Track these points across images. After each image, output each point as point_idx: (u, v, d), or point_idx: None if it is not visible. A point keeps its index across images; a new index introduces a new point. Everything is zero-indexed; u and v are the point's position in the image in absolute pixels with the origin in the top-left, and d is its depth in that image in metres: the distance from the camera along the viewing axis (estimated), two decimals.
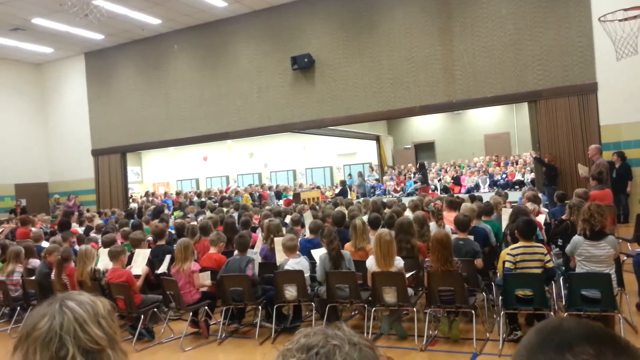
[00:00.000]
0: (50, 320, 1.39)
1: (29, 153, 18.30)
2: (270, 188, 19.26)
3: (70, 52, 17.67)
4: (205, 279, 6.13)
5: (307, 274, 5.83)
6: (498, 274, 5.53)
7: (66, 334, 1.38)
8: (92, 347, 1.41)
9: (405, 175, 20.30)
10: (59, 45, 16.78)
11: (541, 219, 6.92)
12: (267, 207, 11.77)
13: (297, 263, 5.88)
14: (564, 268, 5.60)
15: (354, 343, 1.07)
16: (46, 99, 18.90)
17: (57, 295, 1.52)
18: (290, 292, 5.75)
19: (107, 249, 6.48)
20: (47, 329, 1.38)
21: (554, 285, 5.50)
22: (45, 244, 8.17)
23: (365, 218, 7.12)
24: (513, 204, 8.68)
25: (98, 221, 10.85)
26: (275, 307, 5.82)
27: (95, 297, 1.53)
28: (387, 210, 8.77)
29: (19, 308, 7.09)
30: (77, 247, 7.97)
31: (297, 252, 6.06)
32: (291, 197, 16.42)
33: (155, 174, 28.37)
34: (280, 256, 6.25)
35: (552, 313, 4.88)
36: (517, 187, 16.61)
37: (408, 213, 8.05)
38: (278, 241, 6.37)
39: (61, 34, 15.54)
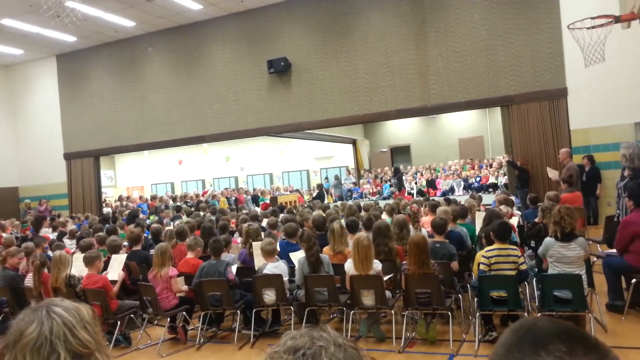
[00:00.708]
0: (39, 325, 1.40)
1: None
2: (246, 192, 19.18)
3: (41, 53, 17.32)
4: (180, 284, 6.09)
5: (285, 278, 5.85)
6: (473, 276, 5.64)
7: (56, 338, 1.39)
8: (82, 351, 1.43)
9: (381, 178, 20.46)
10: (30, 46, 16.43)
11: (514, 221, 7.09)
12: (244, 211, 11.73)
13: (275, 267, 5.89)
14: (536, 270, 5.75)
15: (339, 344, 1.11)
16: (15, 101, 18.45)
17: (40, 302, 1.52)
18: (269, 296, 5.75)
19: (83, 255, 6.37)
20: (37, 335, 1.39)
21: (527, 287, 5.64)
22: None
23: (343, 222, 7.17)
24: (487, 207, 8.85)
25: (71, 226, 10.65)
26: (254, 311, 5.82)
27: (77, 303, 1.54)
28: (363, 214, 8.85)
29: None
30: (50, 252, 7.83)
31: (276, 257, 6.07)
32: (268, 201, 16.38)
33: (129, 178, 27.96)
34: (258, 260, 6.25)
35: (525, 314, 5.00)
36: (490, 190, 16.92)
37: (385, 216, 8.13)
38: (257, 245, 6.36)
39: (32, 35, 15.22)
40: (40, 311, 1.44)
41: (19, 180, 18.50)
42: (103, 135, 16.86)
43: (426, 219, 7.47)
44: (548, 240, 5.14)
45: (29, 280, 6.70)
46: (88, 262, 6.08)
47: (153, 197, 18.82)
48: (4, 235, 9.70)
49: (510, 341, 0.94)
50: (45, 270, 6.49)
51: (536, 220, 6.64)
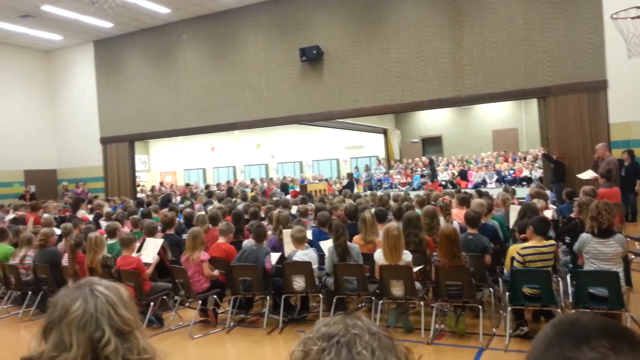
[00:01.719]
0: (84, 303, 1.44)
1: (37, 139, 18.42)
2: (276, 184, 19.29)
3: (79, 39, 17.71)
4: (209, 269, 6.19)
5: (315, 266, 5.89)
6: (505, 270, 5.57)
7: (101, 315, 1.44)
8: (124, 329, 1.47)
9: (412, 169, 20.30)
10: (68, 32, 16.82)
11: (547, 214, 6.93)
12: (274, 198, 11.82)
13: (305, 254, 5.93)
14: (571, 265, 5.63)
15: (373, 332, 1.11)
16: (55, 86, 18.98)
17: (78, 281, 1.57)
18: (299, 283, 5.81)
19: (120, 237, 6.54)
20: (83, 311, 1.43)
21: (561, 282, 5.53)
22: (57, 231, 8.25)
23: (372, 211, 7.16)
24: (521, 200, 8.69)
25: (107, 209, 10.93)
26: (283, 297, 5.89)
27: (114, 283, 1.59)
28: (393, 204, 8.81)
29: (30, 292, 7.19)
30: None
31: (306, 244, 6.10)
32: (298, 189, 16.45)
33: (163, 163, 28.46)
34: (288, 247, 6.30)
35: (559, 310, 4.91)
36: (524, 183, 16.59)
37: (415, 208, 8.07)
38: (287, 233, 6.42)
39: (70, 21, 15.57)
40: (84, 289, 1.49)
41: (57, 163, 19.07)
42: (138, 120, 17.19)
43: (455, 212, 7.39)
44: (584, 235, 5.02)
45: (64, 260, 6.92)
46: (124, 244, 6.24)
47: (186, 185, 19.14)
48: (44, 215, 10.03)
49: (550, 336, 0.93)
50: (80, 251, 6.70)
51: (572, 215, 6.49)
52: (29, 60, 18.43)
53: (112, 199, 14.61)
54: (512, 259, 5.09)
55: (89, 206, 12.02)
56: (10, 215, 11.75)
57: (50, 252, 7.13)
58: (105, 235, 7.07)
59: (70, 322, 1.42)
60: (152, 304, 6.03)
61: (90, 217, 10.51)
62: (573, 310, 4.78)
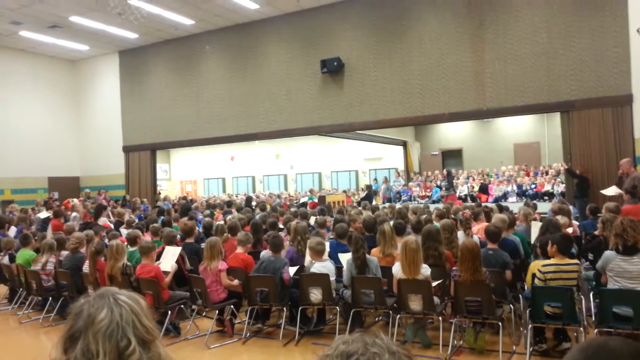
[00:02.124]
0: (109, 312, 1.45)
1: (62, 147, 18.77)
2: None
3: (105, 50, 18.08)
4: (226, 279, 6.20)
5: (332, 278, 5.86)
6: (526, 287, 5.46)
7: (126, 324, 1.45)
8: (147, 338, 1.48)
9: (431, 181, 20.15)
10: (94, 43, 17.17)
11: (569, 230, 6.79)
12: (292, 209, 11.82)
13: (322, 266, 5.91)
14: (594, 283, 5.50)
15: (393, 352, 1.09)
16: (80, 95, 19.36)
17: (102, 289, 1.57)
18: (315, 295, 5.78)
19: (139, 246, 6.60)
20: (109, 321, 1.44)
21: (583, 300, 5.41)
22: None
23: (391, 223, 7.11)
24: (542, 216, 8.55)
25: (128, 217, 11.06)
26: (299, 309, 5.86)
27: (133, 293, 1.60)
28: (411, 217, 8.74)
29: (50, 298, 7.28)
30: (106, 241, 8.15)
31: (324, 257, 6.07)
32: (316, 200, 16.43)
33: (183, 172, 28.77)
34: (308, 260, 6.29)
35: (581, 329, 4.80)
36: (546, 198, 16.33)
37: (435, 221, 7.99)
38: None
39: (97, 32, 15.90)
40: (107, 298, 1.50)
41: (80, 170, 19.40)
42: (160, 129, 17.42)
43: (476, 228, 7.29)
44: (608, 253, 4.91)
45: (85, 267, 7.00)
46: (144, 252, 6.29)
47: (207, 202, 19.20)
48: (67, 223, 10.16)
49: None
50: (102, 259, 6.77)
51: (596, 233, 6.36)
52: (55, 70, 18.86)
53: (133, 200, 14.88)
54: (533, 275, 5.00)
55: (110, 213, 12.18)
56: (44, 214, 11.91)
57: (79, 257, 7.22)
58: (126, 243, 7.15)
59: (96, 332, 1.43)
60: (169, 312, 6.06)
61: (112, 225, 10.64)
62: (596, 330, 4.67)
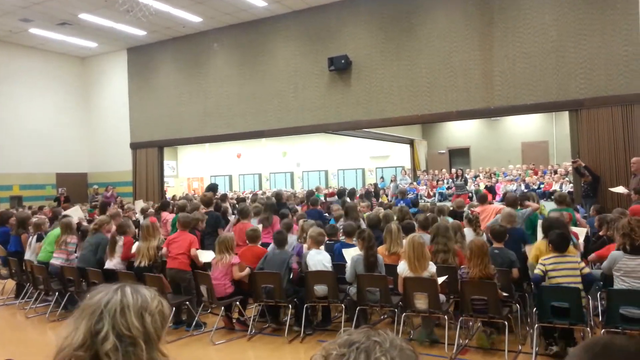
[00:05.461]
0: (103, 296, 1.51)
1: (70, 143, 18.88)
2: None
3: (114, 47, 18.15)
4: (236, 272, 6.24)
5: (328, 265, 5.97)
6: (529, 271, 5.46)
7: (107, 311, 1.47)
8: (124, 333, 1.46)
9: (438, 180, 20.08)
10: (103, 40, 17.25)
11: (582, 232, 6.70)
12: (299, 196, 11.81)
13: (318, 254, 6.03)
14: (601, 283, 5.46)
15: (396, 345, 1.11)
16: (89, 91, 19.46)
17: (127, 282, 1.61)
18: (321, 288, 5.82)
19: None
20: (96, 302, 1.49)
21: (590, 300, 5.37)
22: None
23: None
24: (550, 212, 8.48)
25: (142, 205, 11.25)
26: (305, 306, 5.86)
27: (158, 296, 1.58)
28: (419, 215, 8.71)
29: (57, 293, 7.33)
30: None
31: (321, 247, 6.20)
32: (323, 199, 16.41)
33: (190, 169, 28.85)
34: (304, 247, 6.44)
35: (588, 329, 4.76)
36: (552, 197, 16.23)
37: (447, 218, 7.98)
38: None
39: (106, 29, 15.97)
40: (117, 286, 1.55)
41: (88, 167, 19.50)
42: (167, 126, 17.47)
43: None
44: (615, 253, 4.87)
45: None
46: (182, 225, 6.76)
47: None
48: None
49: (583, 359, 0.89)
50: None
51: (600, 233, 6.34)
52: (64, 66, 18.95)
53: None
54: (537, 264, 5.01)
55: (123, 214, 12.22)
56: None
57: (101, 237, 7.26)
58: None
59: (84, 309, 1.50)
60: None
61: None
62: (603, 330, 4.63)
